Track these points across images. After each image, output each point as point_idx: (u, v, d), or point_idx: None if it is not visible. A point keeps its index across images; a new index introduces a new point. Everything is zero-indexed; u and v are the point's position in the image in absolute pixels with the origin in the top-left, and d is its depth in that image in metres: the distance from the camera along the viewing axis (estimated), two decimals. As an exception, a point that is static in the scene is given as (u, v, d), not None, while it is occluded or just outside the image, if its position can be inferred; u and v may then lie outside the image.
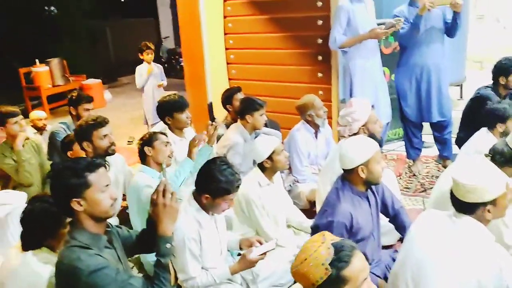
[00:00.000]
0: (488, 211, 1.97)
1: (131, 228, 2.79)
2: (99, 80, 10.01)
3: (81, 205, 1.79)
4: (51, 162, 4.15)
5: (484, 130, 3.39)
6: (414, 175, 4.73)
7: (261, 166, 3.11)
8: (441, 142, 4.64)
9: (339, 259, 1.55)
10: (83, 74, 10.04)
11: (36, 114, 5.30)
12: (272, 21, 5.25)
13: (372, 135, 3.21)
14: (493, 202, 1.96)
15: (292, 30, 5.13)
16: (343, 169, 2.57)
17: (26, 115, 4.74)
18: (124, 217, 3.30)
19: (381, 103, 4.40)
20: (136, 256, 2.99)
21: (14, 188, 3.76)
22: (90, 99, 4.21)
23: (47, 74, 9.16)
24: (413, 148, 4.73)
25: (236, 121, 4.12)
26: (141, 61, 6.16)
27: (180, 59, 11.25)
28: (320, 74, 4.98)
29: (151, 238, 1.96)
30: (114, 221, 3.29)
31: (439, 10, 4.17)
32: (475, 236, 1.97)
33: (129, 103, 9.49)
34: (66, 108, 4.30)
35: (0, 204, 2.69)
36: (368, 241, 2.61)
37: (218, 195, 2.44)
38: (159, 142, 3.11)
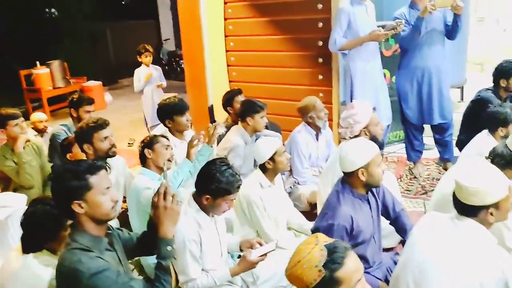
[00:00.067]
0: (491, 214, 1.96)
1: (131, 230, 2.79)
2: (100, 82, 10.03)
3: (82, 208, 1.78)
4: (51, 164, 4.14)
5: (485, 132, 3.38)
6: (415, 177, 4.73)
7: (262, 167, 3.11)
8: (442, 144, 4.64)
9: (332, 260, 1.55)
10: (83, 76, 10.06)
11: (36, 116, 5.30)
12: (273, 23, 5.25)
13: (373, 137, 3.21)
14: (496, 205, 1.95)
15: (293, 32, 5.13)
16: (343, 172, 2.56)
17: (26, 117, 4.74)
18: (124, 219, 3.29)
19: (381, 105, 4.40)
20: (137, 258, 3.00)
21: (14, 190, 3.76)
22: (91, 101, 4.21)
23: (47, 76, 9.17)
24: (414, 151, 4.73)
25: (236, 123, 4.12)
26: (140, 64, 6.16)
27: (181, 61, 11.29)
28: (320, 76, 4.99)
29: (152, 241, 1.95)
30: (114, 223, 3.28)
31: (439, 12, 4.18)
32: (477, 239, 1.96)
33: (130, 105, 9.49)
34: (67, 110, 4.30)
35: (1, 206, 2.69)
36: (369, 244, 2.60)
37: (219, 196, 2.43)
38: (159, 145, 3.11)
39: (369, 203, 2.60)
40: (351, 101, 4.18)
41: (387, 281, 2.64)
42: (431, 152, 5.15)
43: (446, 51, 4.43)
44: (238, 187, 2.50)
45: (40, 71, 9.06)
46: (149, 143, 3.12)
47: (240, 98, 4.35)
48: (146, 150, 3.10)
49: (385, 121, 4.26)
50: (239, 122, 4.04)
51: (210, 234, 2.54)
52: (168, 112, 3.64)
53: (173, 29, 13.40)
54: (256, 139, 3.67)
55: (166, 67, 12.07)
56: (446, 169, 4.61)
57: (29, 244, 2.24)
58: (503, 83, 4.07)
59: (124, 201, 3.49)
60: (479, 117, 3.62)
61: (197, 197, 2.52)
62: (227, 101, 4.42)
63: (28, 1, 10.75)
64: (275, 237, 3.00)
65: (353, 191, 2.53)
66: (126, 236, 2.11)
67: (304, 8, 4.92)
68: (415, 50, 4.34)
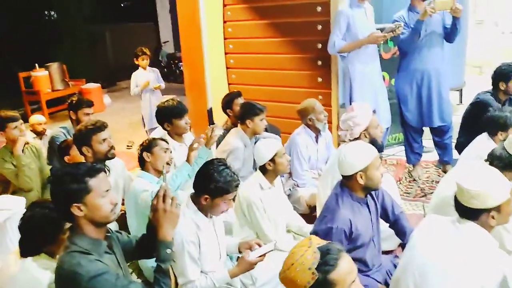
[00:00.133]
0: (492, 217, 1.96)
1: (129, 233, 2.78)
2: (99, 85, 10.02)
3: (81, 210, 1.78)
4: (50, 167, 4.14)
5: (485, 136, 3.38)
6: (414, 180, 4.73)
7: (262, 169, 3.12)
8: (441, 147, 4.65)
9: (326, 262, 1.56)
10: (82, 78, 10.06)
11: (35, 118, 5.29)
12: (272, 26, 5.26)
13: (373, 140, 3.21)
14: (497, 208, 1.95)
15: (292, 35, 5.14)
16: (342, 175, 2.56)
17: (25, 120, 4.73)
18: (123, 222, 3.28)
19: (380, 108, 4.41)
20: (135, 261, 2.99)
21: (13, 193, 3.75)
22: (90, 104, 4.20)
23: (46, 78, 9.17)
24: (413, 153, 4.73)
25: (236, 126, 4.11)
26: (137, 67, 6.16)
27: (180, 63, 11.29)
28: (319, 79, 4.99)
29: (151, 243, 1.95)
30: (113, 226, 3.27)
31: (439, 15, 4.18)
32: (478, 242, 1.96)
33: (128, 107, 9.49)
34: (66, 112, 4.29)
35: (-1, 209, 2.69)
36: (368, 247, 2.60)
37: (217, 195, 2.43)
38: (158, 148, 3.11)
39: (368, 206, 2.60)
40: (350, 104, 4.19)
41: (387, 284, 2.64)
42: (430, 155, 5.15)
43: (445, 53, 4.44)
44: (236, 187, 2.49)
45: (39, 74, 9.05)
46: (147, 146, 3.12)
47: (240, 100, 4.35)
48: (145, 153, 3.10)
49: (384, 124, 4.26)
50: (239, 125, 4.04)
51: (209, 235, 2.53)
52: (167, 115, 3.64)
53: (172, 31, 13.42)
54: (256, 142, 3.67)
55: (165, 70, 12.08)
56: (445, 172, 4.61)
57: (28, 248, 2.23)
58: (502, 86, 4.08)
59: (123, 204, 3.48)
60: (478, 119, 3.63)
61: (195, 198, 2.52)
62: (227, 103, 4.41)
63: (28, 3, 10.76)
64: (274, 238, 2.99)
65: (352, 194, 2.52)
66: (125, 239, 2.11)
67: (303, 11, 4.93)
68: (414, 53, 4.35)
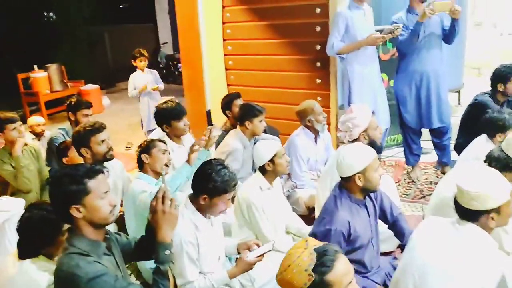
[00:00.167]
0: (492, 218, 1.96)
1: (128, 234, 2.78)
2: (97, 86, 10.02)
3: (80, 212, 1.78)
4: (49, 168, 4.13)
5: (483, 137, 3.38)
6: (413, 181, 4.73)
7: (262, 170, 3.12)
8: (440, 148, 4.65)
9: (322, 264, 1.56)
10: (81, 79, 10.05)
11: (34, 119, 5.29)
12: (271, 27, 5.26)
13: (372, 141, 3.22)
14: (497, 210, 1.95)
15: (291, 36, 5.14)
16: (340, 177, 2.56)
17: (24, 121, 4.73)
18: (121, 223, 3.28)
19: (379, 109, 4.41)
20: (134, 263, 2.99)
21: (12, 194, 3.75)
22: (89, 105, 4.20)
23: (45, 79, 9.16)
24: (412, 155, 4.74)
25: (235, 127, 4.11)
26: (135, 68, 6.16)
27: (179, 64, 11.28)
28: (318, 80, 5.00)
29: (150, 245, 1.95)
30: (112, 227, 3.27)
31: (437, 16, 4.19)
32: (478, 243, 1.96)
33: (127, 108, 9.48)
34: (64, 113, 4.30)
35: (-2, 210, 2.69)
36: (367, 248, 2.60)
37: (216, 195, 2.43)
38: (156, 149, 3.11)
39: (366, 207, 2.60)
40: (349, 105, 4.20)
41: (385, 285, 2.64)
42: (429, 156, 5.16)
43: (443, 55, 4.44)
44: (234, 186, 2.49)
45: (38, 75, 9.05)
46: (146, 148, 3.11)
47: (239, 101, 4.35)
48: (143, 155, 3.10)
49: (383, 125, 4.27)
50: (238, 126, 4.04)
51: (207, 236, 2.53)
52: (165, 117, 3.63)
53: (171, 32, 13.42)
54: (255, 143, 3.67)
55: (164, 71, 12.07)
56: (444, 173, 4.62)
57: (26, 250, 2.23)
58: (500, 87, 4.09)
59: (122, 205, 3.48)
60: (476, 121, 3.63)
61: (194, 198, 2.52)
62: (226, 104, 4.41)
63: (27, 4, 10.75)
64: (273, 239, 2.99)
65: (351, 196, 2.52)
66: (124, 240, 2.11)
67: (302, 12, 4.94)
68: (413, 54, 4.35)
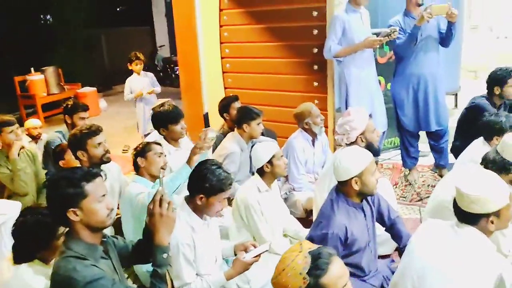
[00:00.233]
0: (491, 222, 1.96)
1: (124, 238, 2.77)
2: (94, 89, 10.00)
3: (77, 215, 1.77)
4: (46, 171, 4.12)
5: (480, 140, 3.39)
6: (410, 184, 4.74)
7: (260, 172, 3.13)
8: (438, 151, 4.66)
9: (316, 267, 1.57)
10: (78, 82, 10.04)
11: (31, 122, 5.28)
12: (268, 31, 5.27)
13: (369, 144, 3.22)
14: (497, 213, 1.95)
15: (288, 40, 5.15)
16: (337, 181, 2.56)
17: (21, 124, 4.71)
18: (118, 226, 3.27)
19: (377, 112, 4.42)
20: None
21: (9, 197, 3.73)
22: (85, 108, 4.20)
23: (42, 82, 9.14)
24: (409, 157, 4.74)
25: (233, 130, 4.11)
26: (131, 72, 6.15)
27: (176, 67, 11.28)
28: (315, 83, 5.00)
29: (147, 248, 1.94)
30: (109, 231, 3.26)
31: (434, 20, 4.20)
32: (477, 246, 1.96)
33: (124, 111, 9.46)
34: (61, 116, 4.28)
35: (-5, 213, 2.67)
36: (364, 252, 2.59)
37: (212, 194, 2.43)
38: (152, 153, 3.08)
39: (363, 211, 2.60)
40: (346, 108, 4.20)
41: (383, 288, 2.64)
42: (426, 159, 5.17)
43: (440, 58, 4.45)
44: (230, 185, 2.50)
45: (35, 77, 9.02)
46: (141, 151, 3.09)
47: (237, 104, 4.35)
48: (139, 159, 3.07)
49: (380, 128, 4.27)
50: (235, 129, 4.04)
51: (204, 237, 2.53)
52: (162, 121, 3.60)
53: (168, 35, 13.43)
54: (252, 146, 3.67)
55: (161, 74, 12.06)
56: (441, 176, 4.62)
57: (21, 254, 2.21)
58: (497, 90, 4.09)
59: (118, 208, 3.46)
60: (473, 124, 3.64)
61: (190, 199, 2.52)
62: (224, 107, 4.41)
63: (24, 7, 10.74)
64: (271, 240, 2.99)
65: (348, 200, 2.52)
66: (121, 244, 2.10)
67: (299, 16, 4.95)
68: (410, 58, 4.36)
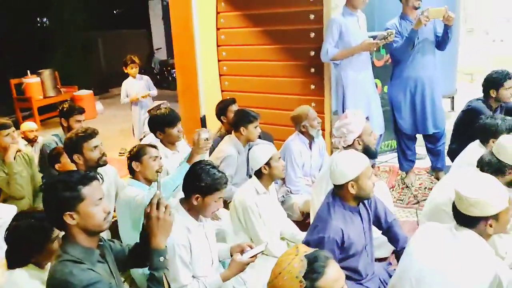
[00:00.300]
0: (490, 225, 1.96)
1: (121, 241, 2.75)
2: (91, 91, 9.99)
3: (74, 219, 1.76)
4: (42, 174, 4.10)
5: (477, 143, 3.39)
6: (407, 187, 4.74)
7: (258, 174, 3.13)
8: (435, 153, 4.67)
9: (313, 270, 1.57)
10: (74, 85, 10.03)
11: (27, 125, 5.26)
12: (265, 34, 5.27)
13: (366, 147, 3.22)
14: (496, 217, 1.95)
15: (285, 43, 5.15)
16: (333, 185, 2.56)
17: (17, 127, 4.70)
18: (115, 230, 3.26)
19: (374, 115, 4.42)
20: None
21: (5, 200, 3.72)
22: (82, 111, 4.18)
23: (38, 85, 9.13)
24: (406, 160, 4.75)
25: (230, 133, 4.11)
26: (127, 75, 6.15)
27: (172, 70, 11.28)
28: (312, 86, 5.00)
29: (144, 252, 1.94)
30: (105, 234, 3.24)
31: (430, 23, 4.21)
32: (476, 250, 1.96)
33: (120, 114, 9.44)
34: (57, 119, 4.26)
35: (-10, 217, 2.66)
36: (361, 256, 2.58)
37: (208, 193, 2.43)
38: (147, 157, 3.04)
39: (360, 215, 2.59)
40: (343, 111, 4.21)
41: (380, 291, 2.64)
42: (422, 162, 5.17)
43: (437, 61, 4.46)
44: (225, 183, 2.50)
45: (31, 80, 9.01)
46: (136, 155, 3.05)
47: (234, 107, 4.35)
48: (133, 163, 3.04)
49: (377, 131, 4.27)
50: (233, 132, 4.03)
51: (200, 239, 2.53)
52: (159, 124, 3.59)
53: (165, 38, 13.43)
54: (249, 149, 3.67)
55: (158, 77, 12.07)
56: (438, 179, 4.63)
57: (15, 259, 2.20)
58: (493, 93, 4.10)
59: (115, 211, 3.45)
60: (470, 127, 3.65)
61: (185, 200, 2.52)
62: (221, 110, 4.41)
63: (20, 9, 10.72)
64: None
65: (344, 204, 2.52)
66: (117, 247, 2.10)
67: (296, 18, 4.95)
68: (407, 61, 4.36)
